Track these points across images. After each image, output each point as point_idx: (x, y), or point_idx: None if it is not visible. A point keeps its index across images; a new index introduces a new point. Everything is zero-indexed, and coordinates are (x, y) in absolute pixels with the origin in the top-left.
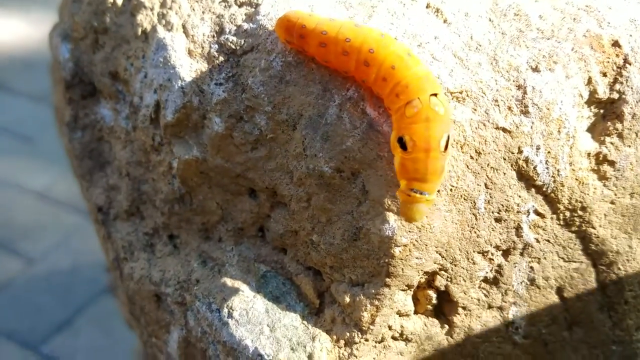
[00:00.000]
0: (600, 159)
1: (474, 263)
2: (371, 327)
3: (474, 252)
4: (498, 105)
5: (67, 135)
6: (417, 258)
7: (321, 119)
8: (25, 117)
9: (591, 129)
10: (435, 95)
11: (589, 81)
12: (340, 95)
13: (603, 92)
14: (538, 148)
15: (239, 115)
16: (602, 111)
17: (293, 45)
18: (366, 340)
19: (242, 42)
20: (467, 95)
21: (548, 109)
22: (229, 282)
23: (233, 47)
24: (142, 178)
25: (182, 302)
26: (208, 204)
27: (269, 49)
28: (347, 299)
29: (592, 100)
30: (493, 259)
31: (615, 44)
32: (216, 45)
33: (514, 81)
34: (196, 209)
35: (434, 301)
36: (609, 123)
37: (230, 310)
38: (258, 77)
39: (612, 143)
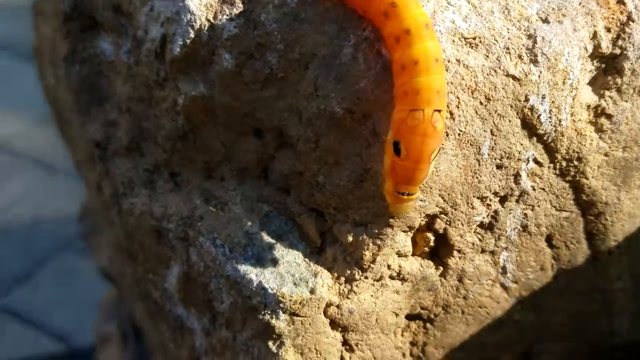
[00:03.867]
0: (599, 111)
1: (472, 208)
2: (372, 265)
3: (473, 197)
4: (509, 53)
5: (64, 69)
6: (421, 200)
7: (335, 59)
8: None
9: (592, 82)
10: (439, 111)
11: (594, 35)
12: (356, 35)
13: (606, 47)
14: (543, 97)
15: (249, 53)
16: (603, 65)
17: None
18: (366, 277)
19: None
20: (480, 42)
21: (555, 59)
22: (233, 219)
23: None
24: (144, 114)
25: (185, 237)
26: (212, 143)
27: None
28: (350, 238)
29: (596, 54)
30: (490, 205)
31: (620, 1)
32: None
33: (524, 30)
34: (199, 147)
35: (432, 244)
36: (609, 77)
37: (235, 246)
38: (271, 14)
39: (610, 97)
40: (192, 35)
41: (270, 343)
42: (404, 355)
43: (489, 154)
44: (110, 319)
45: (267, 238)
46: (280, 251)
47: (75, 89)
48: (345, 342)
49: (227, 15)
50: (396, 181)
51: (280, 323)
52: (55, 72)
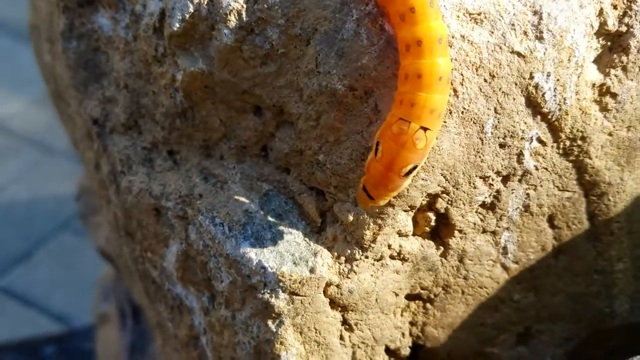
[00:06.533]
0: (604, 90)
1: (474, 187)
2: (372, 245)
3: (476, 176)
4: (514, 29)
5: (61, 45)
6: (422, 179)
7: (337, 34)
8: None
9: (597, 60)
10: (426, 129)
11: (600, 12)
12: (359, 10)
13: (612, 25)
14: (548, 75)
15: (249, 28)
16: (609, 43)
17: None
18: (366, 257)
19: None
20: (485, 18)
21: (561, 36)
22: (232, 198)
23: None
24: (142, 91)
25: (184, 216)
26: (211, 120)
27: None
28: (351, 218)
29: (602, 31)
30: (493, 184)
31: None
32: None
33: (530, 6)
34: (198, 124)
35: (433, 223)
36: (615, 55)
37: (234, 225)
38: None
39: (616, 75)
40: (191, 9)
41: (269, 322)
42: (403, 335)
43: (492, 133)
44: (108, 299)
45: (266, 217)
46: (279, 230)
47: (73, 65)
48: (344, 322)
49: None
50: (367, 178)
51: (280, 302)
52: (52, 48)
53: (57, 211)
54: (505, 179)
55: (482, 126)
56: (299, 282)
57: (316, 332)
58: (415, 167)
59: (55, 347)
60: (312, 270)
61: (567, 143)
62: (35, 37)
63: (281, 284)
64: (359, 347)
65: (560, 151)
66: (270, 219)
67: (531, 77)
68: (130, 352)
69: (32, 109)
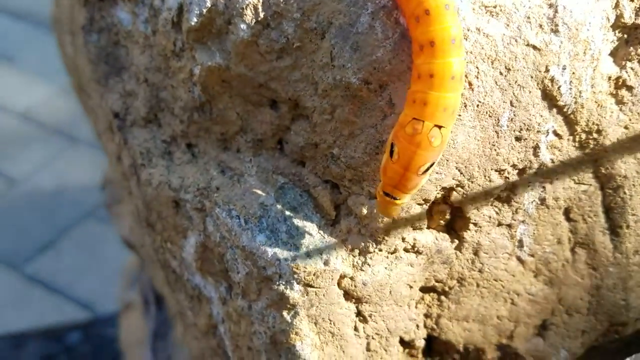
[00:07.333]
0: (620, 83)
1: (490, 181)
2: (386, 238)
3: (491, 169)
4: (530, 22)
5: (82, 38)
6: (437, 173)
7: (352, 27)
8: (6, 35)
9: (613, 53)
10: (440, 127)
11: (617, 5)
12: (374, 3)
13: (629, 17)
14: (564, 68)
15: (265, 22)
16: (625, 36)
17: None
18: (380, 250)
19: None
20: (501, 10)
21: (577, 29)
22: (248, 190)
23: None
24: (161, 84)
25: (202, 208)
26: (228, 114)
27: None
28: (365, 211)
29: (618, 24)
30: (509, 177)
31: None
32: None
33: None
34: (216, 118)
35: (447, 217)
36: (632, 48)
37: (250, 217)
38: None
39: (632, 68)
40: (208, 4)
41: (284, 313)
42: (417, 326)
43: (508, 126)
44: (132, 286)
45: (282, 209)
46: (294, 223)
47: (94, 58)
48: (359, 313)
49: None
50: (384, 182)
51: (295, 293)
52: (74, 41)
53: (82, 199)
54: (521, 172)
55: (498, 119)
56: (314, 274)
57: (330, 323)
58: (432, 165)
59: (80, 333)
60: (326, 263)
61: (583, 136)
62: (58, 29)
63: (296, 276)
64: (373, 338)
65: (577, 144)
66: (285, 211)
67: (547, 70)
68: (153, 338)
69: (58, 98)
